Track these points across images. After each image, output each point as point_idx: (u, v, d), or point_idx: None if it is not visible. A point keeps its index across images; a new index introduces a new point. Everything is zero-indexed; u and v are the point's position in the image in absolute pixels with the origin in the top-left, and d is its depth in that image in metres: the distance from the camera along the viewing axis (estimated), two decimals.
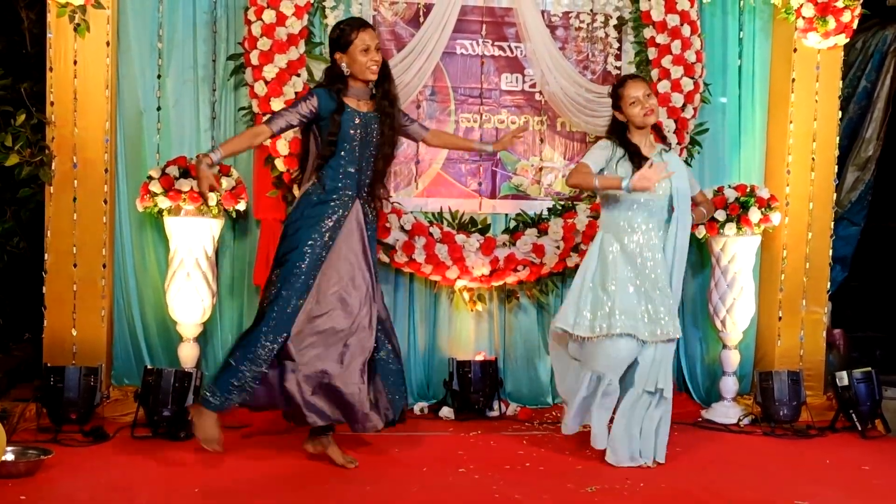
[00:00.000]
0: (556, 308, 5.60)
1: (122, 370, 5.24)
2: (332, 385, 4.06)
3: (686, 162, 5.49)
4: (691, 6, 5.45)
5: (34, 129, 4.92)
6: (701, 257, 5.72)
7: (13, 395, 5.04)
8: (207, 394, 4.07)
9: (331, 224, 4.13)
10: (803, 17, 5.43)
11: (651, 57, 5.48)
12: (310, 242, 4.10)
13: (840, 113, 5.69)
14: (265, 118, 4.34)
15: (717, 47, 5.72)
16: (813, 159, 5.59)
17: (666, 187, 4.34)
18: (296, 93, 5.07)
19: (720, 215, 5.29)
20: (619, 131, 4.42)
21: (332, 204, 4.14)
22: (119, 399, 5.04)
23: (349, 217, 4.17)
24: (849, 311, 6.45)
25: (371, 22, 5.39)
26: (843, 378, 5.19)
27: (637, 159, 4.28)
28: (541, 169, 5.69)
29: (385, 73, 4.26)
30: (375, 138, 4.22)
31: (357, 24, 4.23)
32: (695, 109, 5.51)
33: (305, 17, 5.17)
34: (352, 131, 4.15)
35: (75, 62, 4.97)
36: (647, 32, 5.48)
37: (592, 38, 5.66)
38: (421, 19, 5.44)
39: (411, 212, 5.43)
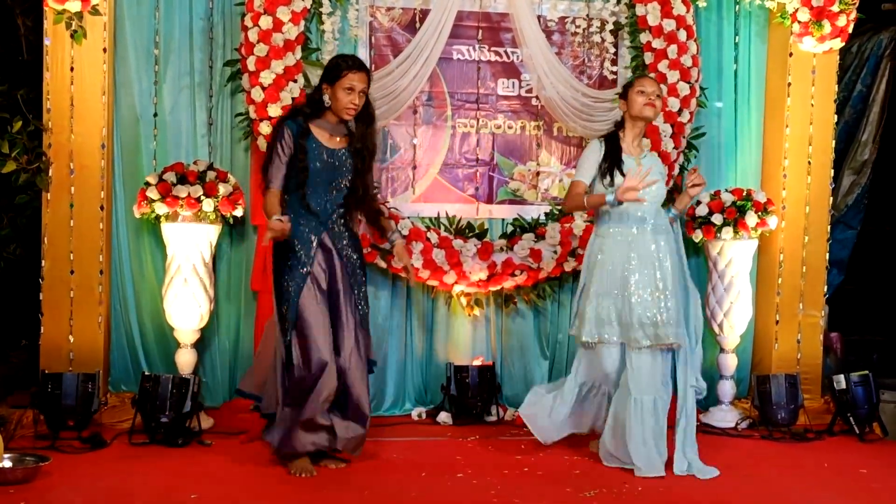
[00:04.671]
0: (554, 313, 5.63)
1: (119, 376, 5.24)
2: None
3: (682, 167, 5.52)
4: (687, 11, 5.46)
5: (31, 135, 4.93)
6: (698, 261, 5.72)
7: (10, 401, 5.03)
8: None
9: (300, 264, 4.11)
10: (799, 22, 5.45)
11: (647, 62, 5.49)
12: (291, 274, 4.12)
13: (836, 117, 5.71)
14: (265, 184, 4.14)
15: (713, 52, 5.74)
16: (809, 163, 5.60)
17: (656, 191, 4.38)
18: (292, 98, 5.08)
19: (717, 219, 5.30)
20: (613, 133, 4.48)
21: (299, 239, 4.12)
22: (116, 405, 5.04)
23: (317, 259, 4.14)
24: (846, 315, 6.45)
25: (368, 27, 5.43)
26: (840, 381, 5.19)
27: (612, 167, 4.35)
28: (538, 174, 5.70)
29: (370, 118, 4.26)
30: (343, 176, 4.21)
31: (353, 63, 4.16)
32: (691, 114, 5.52)
33: (302, 23, 5.18)
34: (316, 165, 4.13)
35: (72, 69, 4.97)
36: (644, 37, 5.50)
37: (589, 43, 5.67)
38: (417, 25, 5.45)
39: (408, 217, 5.44)
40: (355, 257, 4.27)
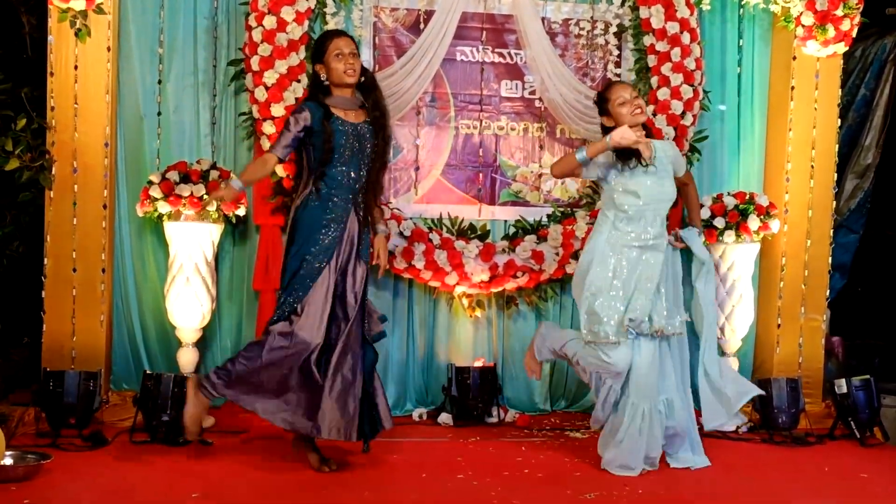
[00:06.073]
0: (556, 315, 5.61)
1: (121, 375, 5.25)
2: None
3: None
4: (691, 14, 5.46)
5: (34, 133, 4.93)
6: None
7: (12, 399, 5.04)
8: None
9: (327, 242, 4.13)
10: (803, 26, 5.44)
11: (651, 64, 5.49)
12: (312, 251, 4.12)
13: (839, 121, 5.70)
14: (268, 147, 4.28)
15: (717, 55, 5.74)
16: (812, 167, 5.60)
17: (669, 189, 4.36)
18: (296, 98, 5.08)
19: (719, 223, 5.30)
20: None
21: (329, 216, 4.15)
22: (118, 404, 5.04)
23: (344, 237, 4.17)
24: (847, 319, 6.45)
25: (371, 28, 5.44)
26: (841, 386, 5.18)
27: (633, 155, 4.29)
28: (540, 175, 5.70)
29: (372, 83, 4.31)
30: (368, 149, 4.24)
31: (331, 32, 4.37)
32: (694, 117, 5.52)
33: (306, 22, 5.19)
34: (343, 140, 4.16)
35: (76, 67, 4.98)
36: (647, 40, 5.49)
37: (592, 45, 5.67)
38: (421, 26, 5.45)
39: (410, 218, 5.44)
40: (365, 243, 4.28)
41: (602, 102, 4.42)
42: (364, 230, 4.28)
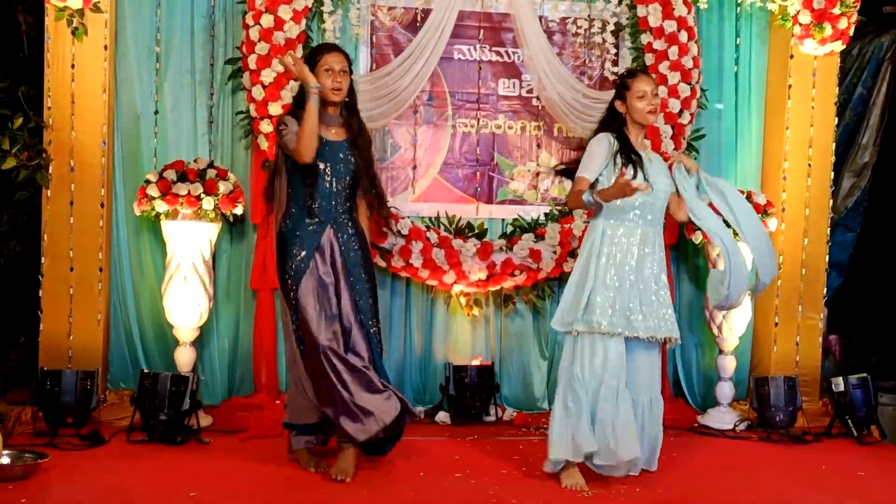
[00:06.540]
0: (553, 313, 5.59)
1: (118, 374, 5.25)
2: None
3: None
4: (688, 12, 5.46)
5: (31, 132, 4.93)
6: (697, 263, 5.73)
7: (9, 398, 5.04)
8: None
9: (304, 254, 4.09)
10: (800, 24, 5.45)
11: (648, 63, 5.49)
12: (292, 265, 4.10)
13: (836, 119, 5.71)
14: (293, 144, 4.08)
15: (714, 53, 5.74)
16: (809, 165, 5.61)
17: (665, 187, 4.30)
18: (293, 97, 5.06)
19: None
20: (614, 125, 4.23)
21: (309, 232, 4.11)
22: (115, 403, 5.04)
23: (321, 247, 4.12)
24: (844, 317, 6.46)
25: (369, 26, 5.44)
26: (838, 384, 5.20)
27: (631, 157, 4.21)
28: (538, 174, 5.70)
29: (354, 106, 4.26)
30: (348, 167, 4.18)
31: (325, 47, 4.30)
32: (692, 115, 5.52)
33: (303, 21, 5.19)
34: (322, 157, 4.09)
35: (73, 66, 4.98)
36: (645, 38, 5.50)
37: (590, 43, 5.67)
38: (419, 24, 5.46)
39: (408, 216, 5.44)
40: (359, 252, 4.22)
41: (622, 87, 4.25)
42: (350, 245, 4.20)
